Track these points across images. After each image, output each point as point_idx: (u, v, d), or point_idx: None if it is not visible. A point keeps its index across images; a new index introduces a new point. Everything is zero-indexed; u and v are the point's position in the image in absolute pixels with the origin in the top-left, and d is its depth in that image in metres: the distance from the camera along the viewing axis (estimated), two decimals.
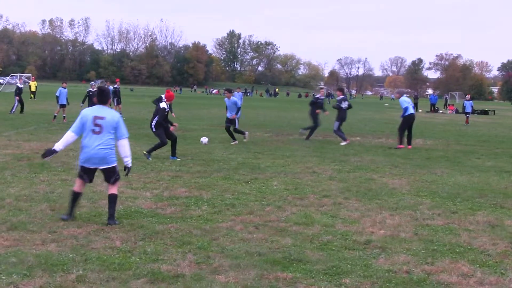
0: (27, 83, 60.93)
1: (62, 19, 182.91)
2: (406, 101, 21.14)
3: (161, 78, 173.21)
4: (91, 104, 26.15)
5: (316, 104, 23.30)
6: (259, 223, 8.83)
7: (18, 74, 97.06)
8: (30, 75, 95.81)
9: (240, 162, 15.44)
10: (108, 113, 8.54)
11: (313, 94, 64.82)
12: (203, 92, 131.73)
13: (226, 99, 21.00)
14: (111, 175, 8.60)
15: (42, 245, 7.30)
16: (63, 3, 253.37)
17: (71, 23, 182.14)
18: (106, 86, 19.85)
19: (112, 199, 8.50)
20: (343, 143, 21.29)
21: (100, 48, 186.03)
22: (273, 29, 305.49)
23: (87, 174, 8.59)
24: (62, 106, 28.89)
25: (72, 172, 12.79)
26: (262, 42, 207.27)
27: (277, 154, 17.56)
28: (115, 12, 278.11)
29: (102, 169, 8.55)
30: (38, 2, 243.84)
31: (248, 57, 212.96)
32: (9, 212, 8.96)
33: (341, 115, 22.28)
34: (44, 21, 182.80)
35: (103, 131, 8.43)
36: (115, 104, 32.38)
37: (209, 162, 15.25)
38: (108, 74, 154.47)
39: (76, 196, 8.62)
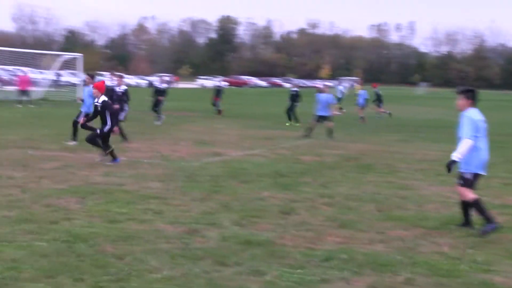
0: (352, 86, 63.23)
1: (387, 24, 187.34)
2: None
3: (489, 81, 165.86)
4: (156, 100, 24.77)
5: None
6: None
7: (345, 77, 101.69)
8: (358, 78, 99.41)
9: None
10: (483, 116, 8.37)
11: None
12: None
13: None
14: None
15: (369, 244, 7.43)
16: (389, 8, 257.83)
17: (398, 27, 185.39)
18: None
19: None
20: None
21: (425, 51, 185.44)
22: None
23: (475, 181, 8.19)
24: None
25: (398, 175, 12.86)
26: None
27: None
28: (441, 15, 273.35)
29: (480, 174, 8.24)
30: (364, 8, 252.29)
31: None
32: (339, 210, 9.33)
33: None
34: (372, 25, 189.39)
35: (485, 134, 8.30)
36: (378, 107, 33.78)
37: None
38: (432, 77, 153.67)
39: (481, 202, 8.12)
